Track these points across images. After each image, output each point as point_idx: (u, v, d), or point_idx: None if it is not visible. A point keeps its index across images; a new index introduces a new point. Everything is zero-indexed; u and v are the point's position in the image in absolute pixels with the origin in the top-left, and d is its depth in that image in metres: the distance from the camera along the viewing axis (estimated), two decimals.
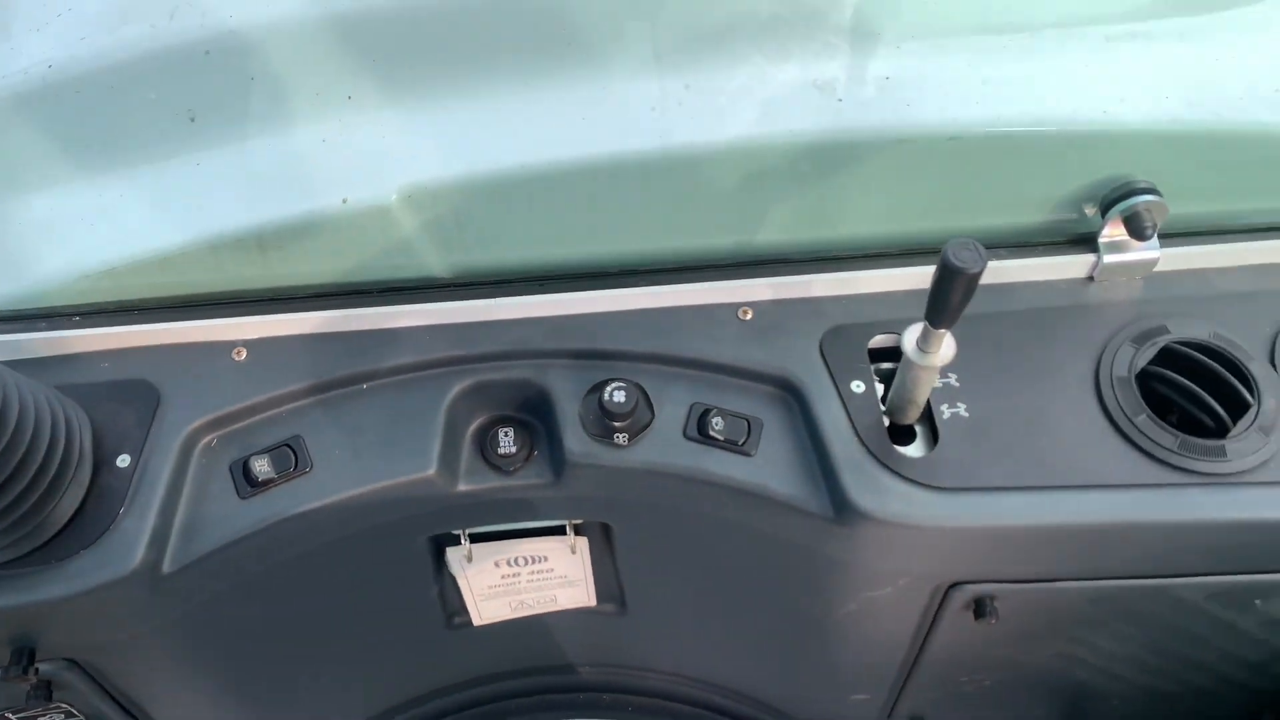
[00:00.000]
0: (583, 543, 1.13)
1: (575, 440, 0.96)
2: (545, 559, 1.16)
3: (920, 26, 0.96)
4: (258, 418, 0.99)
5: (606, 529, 1.10)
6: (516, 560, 1.15)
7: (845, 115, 0.93)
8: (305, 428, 0.98)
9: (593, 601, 1.23)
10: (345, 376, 0.99)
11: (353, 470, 0.95)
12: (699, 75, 0.95)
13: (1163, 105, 0.96)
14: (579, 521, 1.10)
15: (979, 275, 0.74)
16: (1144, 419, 0.90)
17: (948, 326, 0.81)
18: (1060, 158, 0.96)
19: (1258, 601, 1.02)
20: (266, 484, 0.95)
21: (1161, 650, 1.15)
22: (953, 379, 0.95)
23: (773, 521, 0.95)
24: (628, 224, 0.98)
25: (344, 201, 0.93)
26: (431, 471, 0.95)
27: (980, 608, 1.01)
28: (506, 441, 0.99)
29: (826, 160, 0.94)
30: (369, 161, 0.95)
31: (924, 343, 0.84)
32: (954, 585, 1.00)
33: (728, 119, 0.94)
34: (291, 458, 0.96)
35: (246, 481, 0.95)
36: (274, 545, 0.97)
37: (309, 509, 0.94)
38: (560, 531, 1.12)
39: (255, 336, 1.01)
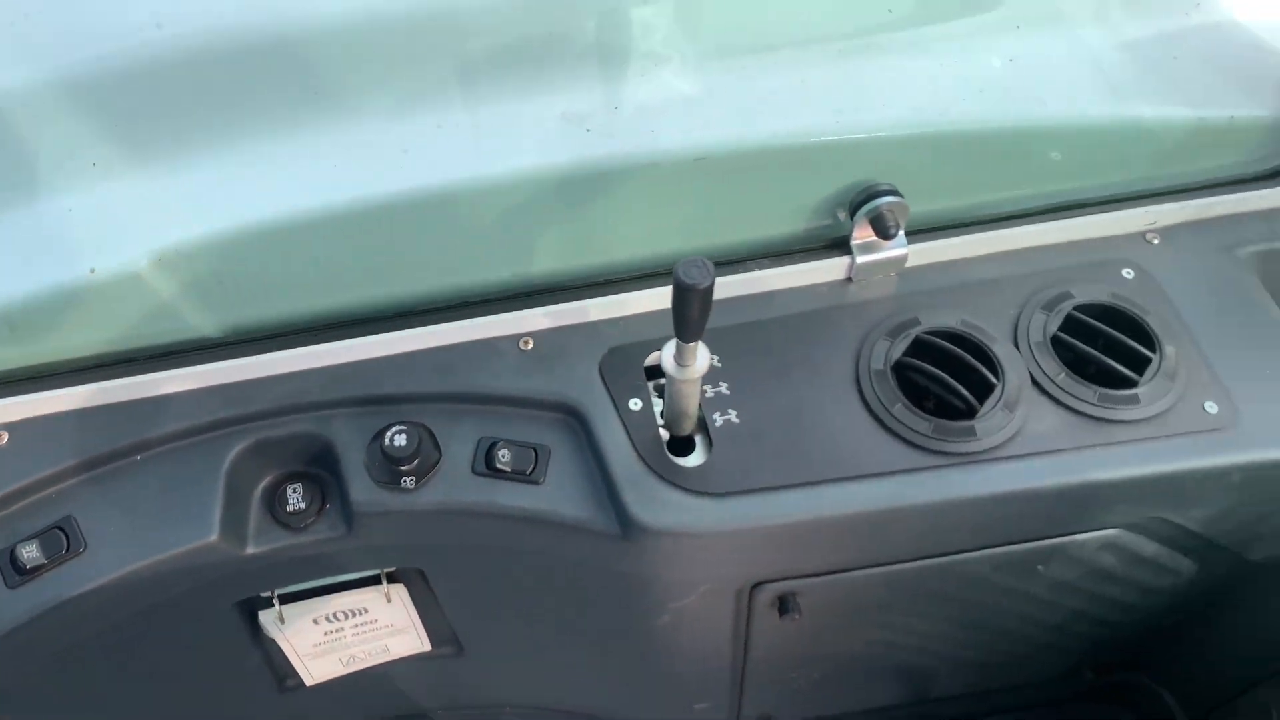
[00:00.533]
0: (399, 590, 1.11)
1: (361, 489, 0.95)
2: (365, 610, 1.14)
3: (662, 54, 1.00)
4: (24, 503, 0.94)
5: (423, 572, 1.09)
6: (335, 615, 1.13)
7: (593, 145, 0.96)
8: (77, 507, 0.94)
9: (427, 646, 1.22)
10: (116, 450, 0.96)
11: (129, 546, 0.92)
12: (449, 114, 0.97)
13: (895, 112, 1.02)
14: (392, 569, 1.09)
15: (710, 289, 0.78)
16: (900, 408, 0.96)
17: (696, 339, 0.84)
18: (805, 168, 1.01)
19: (1040, 567, 1.09)
20: (36, 571, 0.91)
21: (970, 624, 1.21)
22: (724, 387, 0.98)
23: (567, 545, 0.97)
24: (394, 266, 0.99)
25: (92, 271, 0.91)
26: (214, 538, 0.93)
27: (784, 604, 1.05)
28: (295, 498, 0.98)
29: (582, 190, 0.97)
30: (118, 228, 0.93)
31: (679, 357, 0.87)
32: (756, 586, 1.04)
33: (479, 155, 0.95)
34: (63, 540, 0.92)
35: (14, 570, 0.91)
36: (53, 632, 0.93)
37: (85, 591, 0.91)
38: (378, 581, 1.11)
39: (17, 419, 0.97)
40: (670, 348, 0.87)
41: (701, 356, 0.88)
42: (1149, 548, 1.09)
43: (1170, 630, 1.31)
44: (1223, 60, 1.14)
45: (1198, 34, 1.16)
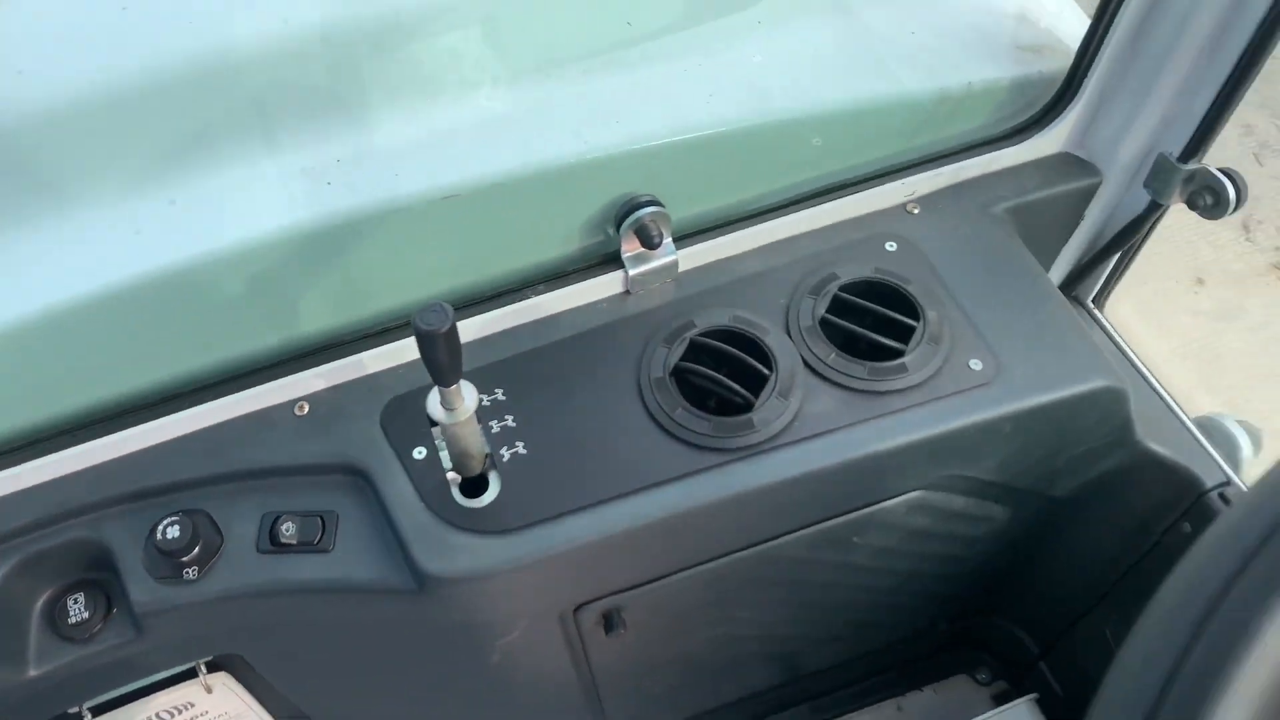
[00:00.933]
0: (222, 678, 1.07)
1: (142, 589, 0.91)
2: (191, 705, 1.09)
3: (401, 97, 0.99)
4: None
5: (243, 655, 1.06)
6: (159, 715, 1.08)
7: (337, 199, 0.94)
8: None
9: None
10: None
11: None
12: (183, 187, 0.93)
13: (643, 124, 1.03)
14: (209, 658, 1.05)
15: (451, 331, 0.77)
16: (681, 412, 0.97)
17: (454, 381, 0.84)
18: (561, 191, 1.01)
19: (855, 539, 1.12)
20: None
21: (810, 602, 1.24)
22: (510, 420, 0.98)
23: (368, 608, 0.95)
24: (146, 351, 0.95)
25: None
26: None
27: (609, 622, 1.05)
28: (77, 609, 0.93)
29: (334, 245, 0.95)
30: None
31: (445, 402, 0.86)
32: (578, 609, 1.03)
33: (218, 225, 0.92)
34: None
35: None
36: None
37: None
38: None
39: None
40: (434, 394, 0.86)
41: (468, 396, 0.87)
42: (956, 502, 1.14)
43: (1006, 572, 1.37)
44: (956, 30, 1.19)
45: (930, 8, 1.21)
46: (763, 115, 1.07)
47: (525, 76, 1.04)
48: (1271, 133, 3.30)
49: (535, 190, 0.99)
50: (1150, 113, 1.10)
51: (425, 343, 0.78)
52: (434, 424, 0.98)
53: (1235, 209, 1.10)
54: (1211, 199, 1.11)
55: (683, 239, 1.08)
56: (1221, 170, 1.09)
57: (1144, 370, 1.24)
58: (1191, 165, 1.10)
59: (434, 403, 0.87)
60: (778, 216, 1.10)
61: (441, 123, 0.99)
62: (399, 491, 0.93)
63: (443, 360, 0.80)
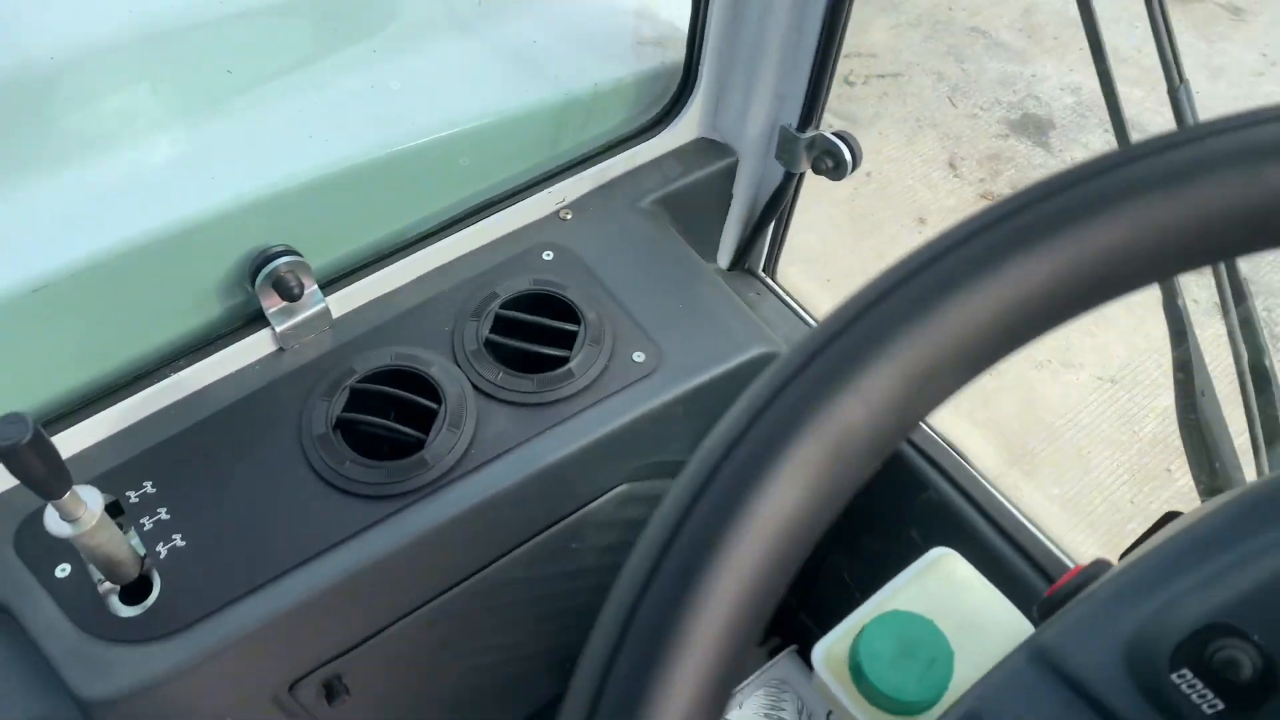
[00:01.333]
0: None
1: None
2: None
3: None
4: None
5: None
6: None
7: None
8: None
9: None
10: None
11: None
12: None
13: (259, 172, 0.99)
14: None
15: (36, 439, 0.70)
16: (349, 465, 0.94)
17: (63, 492, 0.77)
18: (176, 255, 0.95)
19: (574, 544, 1.13)
20: None
21: (551, 614, 1.24)
22: (163, 513, 0.91)
23: None
24: None
25: None
26: None
27: (330, 691, 1.01)
28: None
29: None
30: None
31: (64, 515, 0.79)
32: (292, 686, 0.99)
33: None
34: None
35: None
36: None
37: None
38: None
39: None
40: (49, 510, 0.79)
41: (90, 501, 0.80)
42: (665, 485, 1.17)
43: None
44: (578, 34, 1.22)
45: (552, 15, 1.23)
46: (394, 143, 1.06)
47: (117, 141, 0.97)
48: (960, 76, 3.65)
49: (141, 263, 0.93)
50: (763, 89, 1.18)
51: (8, 460, 0.70)
52: None
53: (853, 169, 1.20)
54: (832, 161, 1.20)
55: (333, 283, 1.05)
56: (836, 134, 1.19)
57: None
58: (810, 133, 1.19)
59: (51, 519, 0.79)
60: (433, 242, 1.09)
61: (20, 207, 0.91)
62: (45, 617, 0.85)
63: (37, 474, 0.73)
